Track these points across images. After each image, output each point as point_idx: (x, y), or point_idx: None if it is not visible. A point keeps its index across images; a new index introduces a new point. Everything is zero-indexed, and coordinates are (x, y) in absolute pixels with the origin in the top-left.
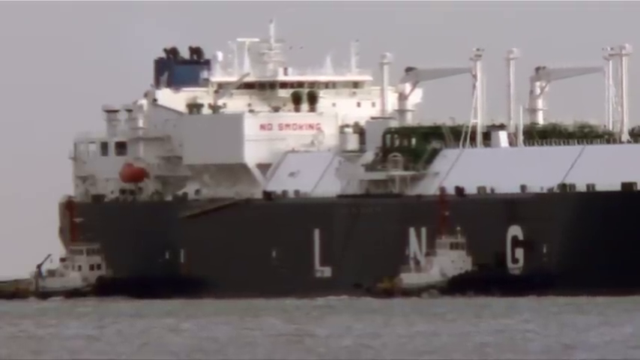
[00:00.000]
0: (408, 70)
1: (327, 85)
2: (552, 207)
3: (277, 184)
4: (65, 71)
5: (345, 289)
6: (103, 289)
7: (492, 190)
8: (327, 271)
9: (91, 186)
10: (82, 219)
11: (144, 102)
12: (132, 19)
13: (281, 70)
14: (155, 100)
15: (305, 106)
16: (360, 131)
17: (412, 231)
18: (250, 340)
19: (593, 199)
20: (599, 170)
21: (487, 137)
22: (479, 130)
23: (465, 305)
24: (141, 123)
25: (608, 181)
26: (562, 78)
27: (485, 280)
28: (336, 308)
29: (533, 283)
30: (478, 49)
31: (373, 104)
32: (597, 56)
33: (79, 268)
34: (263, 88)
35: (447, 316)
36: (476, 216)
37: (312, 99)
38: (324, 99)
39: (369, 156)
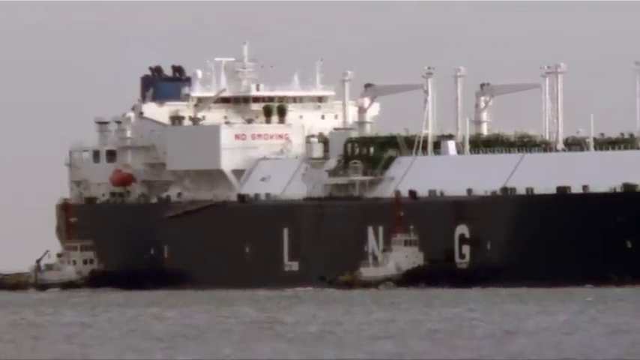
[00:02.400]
0: (367, 86)
1: (294, 99)
2: (495, 208)
3: (250, 188)
4: (62, 88)
5: (311, 282)
6: (95, 281)
7: (442, 193)
8: (294, 266)
9: (85, 189)
10: (77, 219)
11: (131, 115)
12: (121, 41)
13: (254, 87)
14: (142, 113)
15: (275, 118)
16: (324, 141)
17: (370, 230)
18: (226, 326)
19: (531, 201)
20: (536, 176)
21: (437, 146)
22: (430, 140)
23: (418, 296)
24: (129, 133)
25: (545, 186)
26: (504, 93)
27: (436, 273)
28: (303, 298)
29: (478, 276)
30: (429, 68)
31: (336, 117)
32: (535, 74)
33: (74, 262)
34: (238, 102)
35: (401, 306)
36: (427, 216)
37: (282, 112)
38: (292, 112)
39: (332, 163)
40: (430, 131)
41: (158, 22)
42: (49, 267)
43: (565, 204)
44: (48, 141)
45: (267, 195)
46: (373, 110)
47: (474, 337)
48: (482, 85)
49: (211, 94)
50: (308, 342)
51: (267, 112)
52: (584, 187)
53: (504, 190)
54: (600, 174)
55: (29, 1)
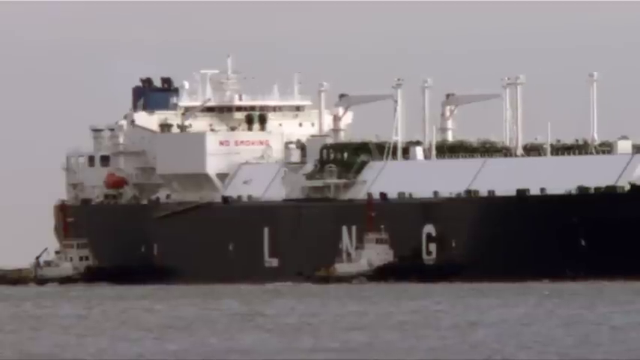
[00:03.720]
0: (341, 96)
1: (274, 108)
2: (460, 209)
3: (233, 190)
4: (60, 98)
5: (290, 277)
6: (91, 276)
7: (410, 195)
8: (274, 262)
9: (80, 192)
10: (73, 219)
11: (124, 123)
12: (114, 55)
13: (236, 97)
14: (133, 121)
15: (256, 126)
16: (302, 147)
17: (344, 229)
18: (212, 318)
19: (493, 202)
20: (498, 179)
21: (406, 152)
22: (399, 146)
23: (388, 290)
24: (121, 140)
25: (506, 188)
26: (467, 103)
27: (405, 269)
28: (282, 292)
29: (444, 271)
30: (398, 79)
31: (312, 124)
32: (496, 85)
33: (71, 259)
34: (222, 111)
35: (373, 299)
36: (397, 216)
37: (262, 120)
38: (272, 120)
39: (309, 167)
40: (399, 138)
41: (148, 37)
42: (48, 263)
43: (524, 205)
44: (47, 147)
45: (249, 197)
46: (347, 118)
47: (440, 327)
48: (447, 96)
49: (197, 103)
50: (287, 332)
51: (249, 121)
52: (542, 190)
53: (468, 192)
54: (556, 177)
55: (31, 19)
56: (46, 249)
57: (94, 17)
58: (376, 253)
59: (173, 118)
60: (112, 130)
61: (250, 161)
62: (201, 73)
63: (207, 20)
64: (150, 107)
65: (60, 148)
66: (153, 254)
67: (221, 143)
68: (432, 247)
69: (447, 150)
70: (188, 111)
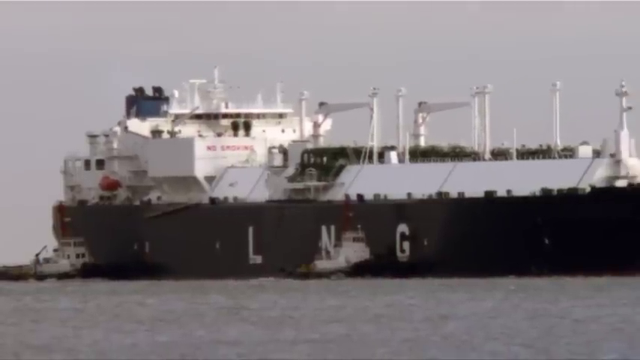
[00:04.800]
0: (321, 104)
1: (258, 116)
2: (431, 209)
3: (220, 192)
4: (58, 106)
5: (273, 273)
6: (87, 272)
7: (385, 196)
8: (258, 259)
9: (77, 193)
10: (70, 219)
11: (118, 129)
12: (109, 66)
13: (223, 105)
14: (126, 127)
15: (241, 132)
16: (284, 151)
17: (324, 228)
18: (200, 311)
19: (462, 203)
20: (467, 181)
21: (381, 156)
22: (375, 151)
23: (364, 285)
24: (115, 145)
25: (474, 190)
26: (439, 110)
27: (380, 266)
28: (266, 287)
29: (417, 268)
30: (374, 89)
31: (294, 131)
32: (466, 94)
33: (68, 256)
34: (209, 118)
35: (350, 293)
36: (372, 216)
37: (247, 127)
38: (256, 127)
39: (290, 170)
40: (375, 143)
41: (141, 50)
42: (47, 260)
43: (491, 206)
44: (46, 151)
45: (235, 198)
46: (326, 125)
47: (413, 320)
48: (420, 104)
49: (186, 111)
50: (270, 325)
51: (235, 127)
52: (508, 192)
53: (439, 194)
54: (522, 180)
55: (32, 31)
56: (45, 247)
57: (90, 31)
58: (353, 251)
59: (164, 124)
60: (106, 135)
61: (236, 165)
62: (189, 82)
63: (195, 34)
64: (142, 115)
65: (58, 152)
66: (145, 252)
67: (208, 148)
68: (406, 245)
69: (420, 154)
70: (178, 118)
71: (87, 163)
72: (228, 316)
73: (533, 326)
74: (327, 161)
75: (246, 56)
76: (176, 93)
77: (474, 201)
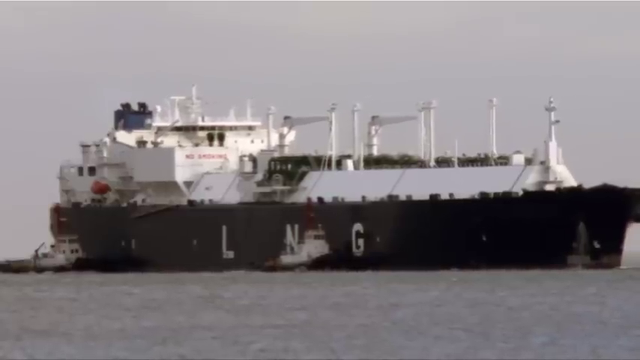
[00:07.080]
0: (286, 118)
1: (231, 128)
2: (383, 210)
3: (197, 195)
4: (55, 120)
5: (243, 266)
6: (80, 266)
7: (342, 199)
8: (230, 254)
9: (72, 196)
10: (65, 219)
11: (107, 140)
12: (99, 84)
13: (200, 118)
14: (115, 138)
15: (216, 142)
16: (254, 159)
17: (289, 227)
18: (179, 300)
19: (410, 205)
20: (414, 186)
21: (339, 164)
22: (333, 159)
23: (324, 277)
24: (105, 154)
25: (421, 193)
26: (390, 123)
27: (338, 260)
28: (237, 279)
29: (370, 262)
30: (333, 104)
31: (262, 141)
32: (413, 109)
33: (64, 251)
34: (188, 130)
35: (312, 285)
36: (331, 217)
37: (221, 138)
38: (229, 138)
39: (259, 176)
40: (334, 152)
41: (128, 70)
42: (45, 255)
43: (436, 208)
44: (44, 159)
45: (210, 200)
46: (290, 136)
47: (367, 307)
48: (373, 117)
49: (168, 124)
50: (241, 311)
51: (210, 138)
52: (451, 195)
53: (390, 196)
54: (462, 185)
55: (30, 54)
56: (43, 243)
57: (83, 54)
58: (314, 247)
59: (148, 135)
60: (97, 145)
61: (211, 171)
62: (170, 99)
63: (175, 56)
64: (129, 127)
65: (55, 160)
66: (131, 248)
67: (187, 156)
68: (361, 241)
69: (373, 162)
70: (160, 130)
71: (80, 169)
72: (204, 304)
73: (473, 313)
74: (291, 168)
75: (220, 76)
76: (158, 108)
77: (420, 203)
